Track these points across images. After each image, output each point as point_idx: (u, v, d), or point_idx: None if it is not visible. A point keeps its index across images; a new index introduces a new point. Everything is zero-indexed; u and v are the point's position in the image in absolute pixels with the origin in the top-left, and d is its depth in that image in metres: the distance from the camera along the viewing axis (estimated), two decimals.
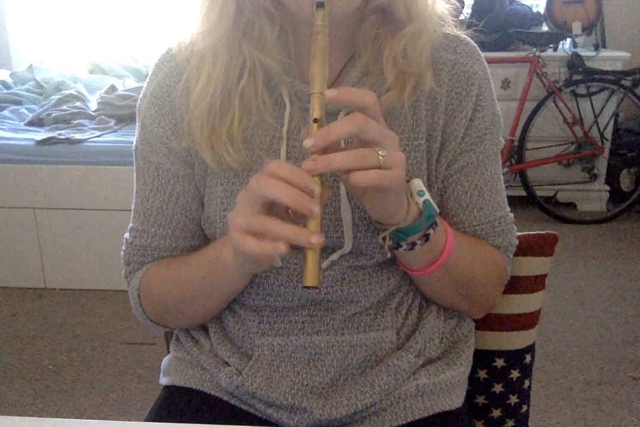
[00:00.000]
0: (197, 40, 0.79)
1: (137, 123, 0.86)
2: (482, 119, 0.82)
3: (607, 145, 3.41)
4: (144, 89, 0.85)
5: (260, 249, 0.61)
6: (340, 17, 0.72)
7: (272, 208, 0.65)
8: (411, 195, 0.73)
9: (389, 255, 0.77)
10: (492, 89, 0.84)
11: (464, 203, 0.84)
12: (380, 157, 0.61)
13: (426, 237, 0.73)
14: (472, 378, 0.95)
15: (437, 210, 0.74)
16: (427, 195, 0.73)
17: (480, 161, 0.83)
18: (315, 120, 0.62)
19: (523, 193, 3.36)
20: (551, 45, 3.36)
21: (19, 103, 3.20)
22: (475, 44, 0.84)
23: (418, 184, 0.74)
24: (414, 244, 0.73)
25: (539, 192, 3.39)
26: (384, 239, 0.74)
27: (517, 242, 0.88)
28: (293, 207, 0.60)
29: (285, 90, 0.79)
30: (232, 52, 0.78)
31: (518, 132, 3.31)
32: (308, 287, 0.59)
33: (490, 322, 0.95)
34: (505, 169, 3.25)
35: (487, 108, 0.82)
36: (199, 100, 0.78)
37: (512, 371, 0.96)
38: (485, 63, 0.84)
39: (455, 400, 0.86)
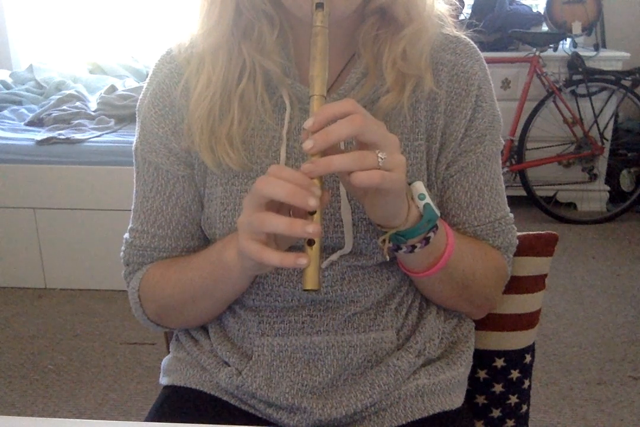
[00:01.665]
0: (197, 42, 0.79)
1: (137, 124, 0.86)
2: (481, 119, 0.82)
3: (607, 145, 3.41)
4: (144, 89, 0.85)
5: (280, 261, 0.61)
6: (340, 17, 0.72)
7: (280, 211, 0.65)
8: (412, 199, 0.72)
9: (387, 258, 0.77)
10: (491, 89, 0.84)
11: (464, 203, 0.84)
12: (380, 159, 0.61)
13: (426, 240, 0.73)
14: (472, 378, 0.95)
15: (438, 214, 0.74)
16: (428, 199, 0.73)
17: (480, 162, 0.83)
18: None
19: (523, 193, 3.36)
20: (551, 45, 3.35)
21: (19, 103, 3.20)
22: (475, 45, 0.84)
23: (419, 187, 0.74)
24: (413, 247, 0.73)
25: (539, 192, 3.39)
26: (383, 241, 0.74)
27: (517, 242, 0.88)
28: (289, 202, 0.60)
29: (285, 92, 0.79)
30: (231, 54, 0.78)
31: (518, 132, 3.31)
32: (308, 290, 0.59)
33: (490, 322, 0.95)
34: (505, 169, 3.26)
35: (486, 109, 0.82)
36: (198, 102, 0.78)
37: (512, 371, 0.96)
38: (485, 64, 0.84)
39: (455, 400, 0.86)
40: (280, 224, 0.60)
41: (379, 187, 0.63)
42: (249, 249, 0.63)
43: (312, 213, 0.61)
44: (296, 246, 0.78)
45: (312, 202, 0.59)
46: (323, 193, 0.62)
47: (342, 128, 0.60)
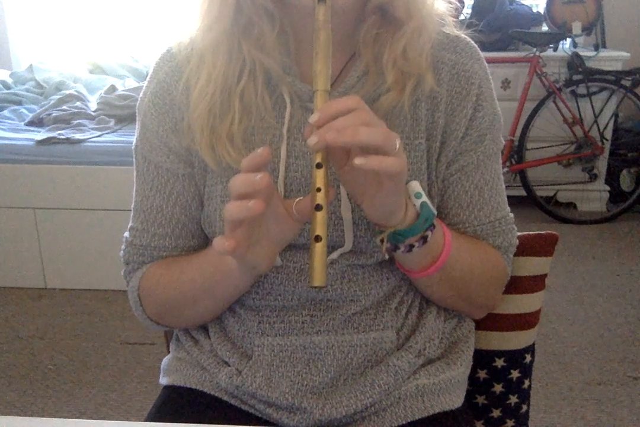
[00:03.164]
0: (197, 39, 0.79)
1: (137, 122, 0.86)
2: (482, 118, 0.82)
3: (607, 145, 3.41)
4: (144, 88, 0.85)
5: (238, 212, 0.60)
6: (341, 9, 0.72)
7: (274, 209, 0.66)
8: (409, 198, 0.73)
9: (387, 256, 0.77)
10: (492, 88, 0.84)
11: (464, 203, 0.84)
12: (397, 145, 0.61)
13: (424, 239, 0.73)
14: (472, 378, 0.95)
15: (435, 212, 0.74)
16: (424, 198, 0.73)
17: (480, 161, 0.83)
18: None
19: (523, 193, 3.36)
20: (551, 45, 3.36)
21: (19, 103, 3.20)
22: (475, 44, 0.84)
23: (415, 186, 0.74)
24: (411, 246, 0.73)
25: (539, 192, 3.39)
26: (381, 241, 0.74)
27: (517, 242, 0.88)
28: (241, 218, 0.61)
29: (285, 90, 0.79)
30: (231, 52, 0.78)
31: (518, 132, 3.31)
32: (315, 287, 0.59)
33: (490, 322, 0.95)
34: (505, 169, 3.26)
35: (487, 108, 0.82)
36: (198, 100, 0.78)
37: (512, 371, 0.96)
38: (485, 63, 0.84)
39: (455, 400, 0.86)
40: (231, 209, 0.60)
41: (395, 177, 0.63)
42: (217, 248, 0.63)
43: (318, 209, 0.61)
44: (296, 245, 0.78)
45: (253, 206, 0.59)
46: (328, 190, 0.62)
47: (348, 124, 0.60)
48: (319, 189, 0.61)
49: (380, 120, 0.63)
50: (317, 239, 0.60)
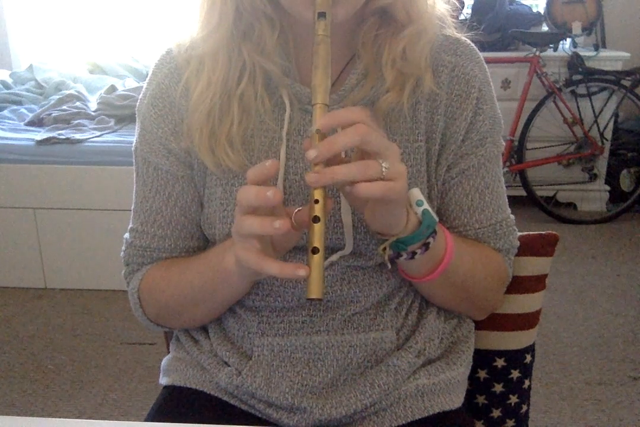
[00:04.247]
0: (197, 44, 0.79)
1: (136, 124, 0.86)
2: (482, 122, 0.82)
3: (607, 145, 3.41)
4: (143, 89, 0.85)
5: (279, 271, 0.62)
6: (341, 22, 0.72)
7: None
8: (410, 206, 0.72)
9: (389, 266, 0.77)
10: (492, 91, 0.84)
11: (465, 206, 0.84)
12: (384, 169, 0.61)
13: (426, 246, 0.73)
14: (472, 378, 0.95)
15: (436, 219, 0.73)
16: (425, 205, 0.72)
17: (481, 164, 0.83)
18: (318, 131, 0.62)
19: (523, 193, 3.36)
20: (551, 45, 3.36)
21: (19, 103, 3.19)
22: (475, 47, 0.84)
23: (416, 193, 0.73)
24: (414, 253, 0.73)
25: (539, 192, 3.39)
26: (384, 249, 0.74)
27: (518, 244, 0.88)
28: (264, 234, 0.63)
29: (285, 92, 0.79)
30: (231, 55, 0.78)
31: (518, 132, 3.30)
32: (311, 299, 0.59)
33: (490, 322, 0.95)
34: (505, 169, 3.25)
35: (487, 111, 0.82)
36: (198, 103, 0.78)
37: (512, 371, 0.96)
38: (485, 66, 0.84)
39: (455, 400, 0.86)
40: (253, 224, 0.62)
41: (383, 198, 0.63)
42: (247, 260, 0.64)
43: (316, 221, 0.60)
44: (296, 246, 0.78)
45: (277, 225, 0.60)
46: (327, 201, 0.61)
47: (346, 137, 0.60)
48: (317, 201, 0.60)
49: (380, 130, 0.63)
50: (315, 251, 0.60)
